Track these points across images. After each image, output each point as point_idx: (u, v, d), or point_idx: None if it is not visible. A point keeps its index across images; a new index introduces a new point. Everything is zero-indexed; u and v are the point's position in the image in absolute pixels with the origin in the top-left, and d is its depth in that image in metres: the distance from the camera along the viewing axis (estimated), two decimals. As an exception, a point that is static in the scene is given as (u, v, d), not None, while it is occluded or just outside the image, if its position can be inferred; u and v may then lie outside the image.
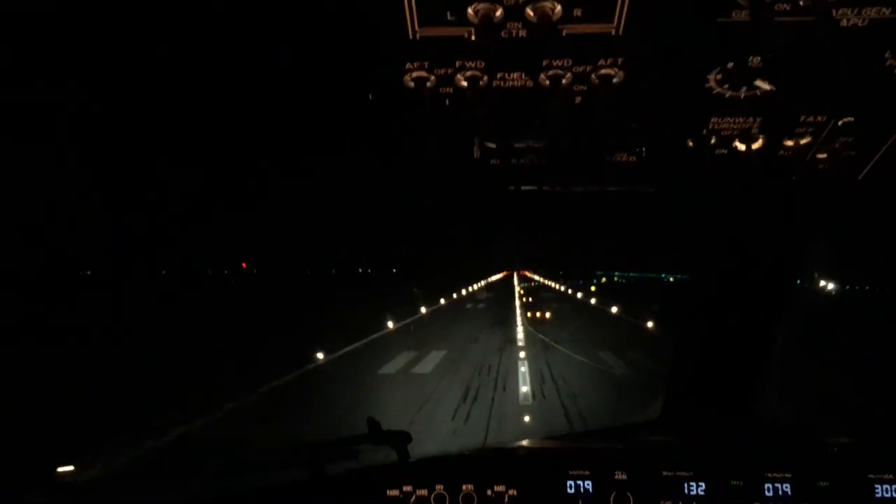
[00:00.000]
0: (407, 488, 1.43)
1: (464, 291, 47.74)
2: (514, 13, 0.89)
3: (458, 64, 0.98)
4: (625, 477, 1.40)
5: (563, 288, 60.34)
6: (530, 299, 39.26)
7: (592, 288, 57.41)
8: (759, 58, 0.94)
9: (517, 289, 57.16)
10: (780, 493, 1.36)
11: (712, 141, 1.14)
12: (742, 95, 1.02)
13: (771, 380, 1.63)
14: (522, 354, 14.31)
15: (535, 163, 1.21)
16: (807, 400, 6.72)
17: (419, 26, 0.93)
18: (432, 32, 0.92)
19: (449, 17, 0.90)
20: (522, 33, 0.91)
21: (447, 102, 1.05)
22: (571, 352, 14.56)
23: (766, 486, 1.37)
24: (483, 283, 70.73)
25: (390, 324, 20.36)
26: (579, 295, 44.71)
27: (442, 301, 34.53)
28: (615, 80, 0.99)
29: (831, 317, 18.34)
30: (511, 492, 1.42)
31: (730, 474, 1.39)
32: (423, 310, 27.07)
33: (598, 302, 35.46)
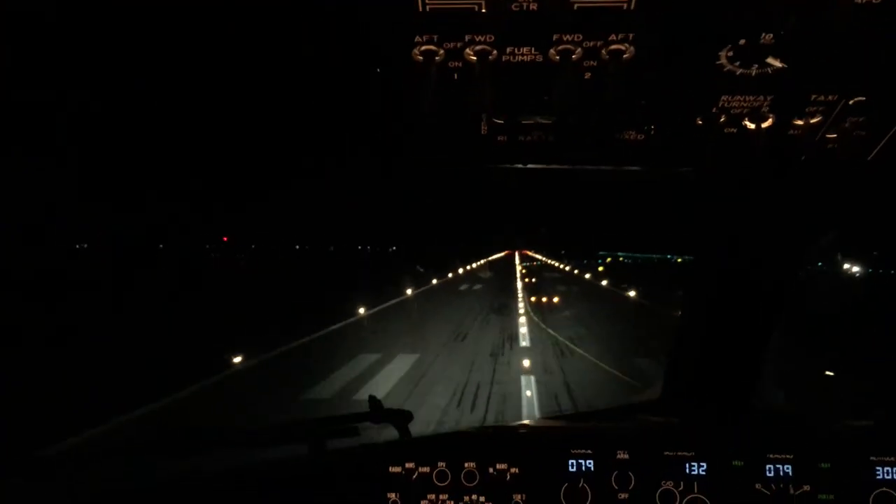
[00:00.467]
0: (409, 465, 1.42)
1: (461, 271, 43.80)
2: None
3: (467, 38, 0.96)
4: (626, 456, 1.40)
5: (567, 267, 56.39)
6: (533, 280, 34.97)
7: (600, 268, 53.37)
8: (771, 35, 0.93)
9: (518, 268, 53.04)
10: (781, 473, 1.36)
11: (722, 119, 1.10)
12: (753, 73, 0.99)
13: (771, 368, 1.63)
14: (527, 364, 10.05)
15: (542, 140, 1.18)
16: (807, 392, 6.37)
17: None
18: (442, 4, 0.91)
19: None
20: (533, 6, 0.91)
21: (455, 77, 1.02)
22: (596, 358, 10.24)
23: (768, 466, 1.36)
24: (483, 261, 66.98)
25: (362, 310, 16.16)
26: (587, 276, 40.50)
27: (434, 281, 30.37)
28: (626, 56, 0.96)
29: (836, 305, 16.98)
30: (513, 470, 1.41)
31: (731, 455, 1.38)
32: (408, 291, 23.00)
33: (609, 284, 31.25)
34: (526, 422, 1.67)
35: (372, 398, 1.65)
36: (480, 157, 1.24)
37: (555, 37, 0.94)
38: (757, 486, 1.35)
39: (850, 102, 1.04)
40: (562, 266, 61.45)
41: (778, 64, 0.96)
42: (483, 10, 0.90)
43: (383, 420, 1.61)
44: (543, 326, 14.43)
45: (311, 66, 1.08)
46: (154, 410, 6.90)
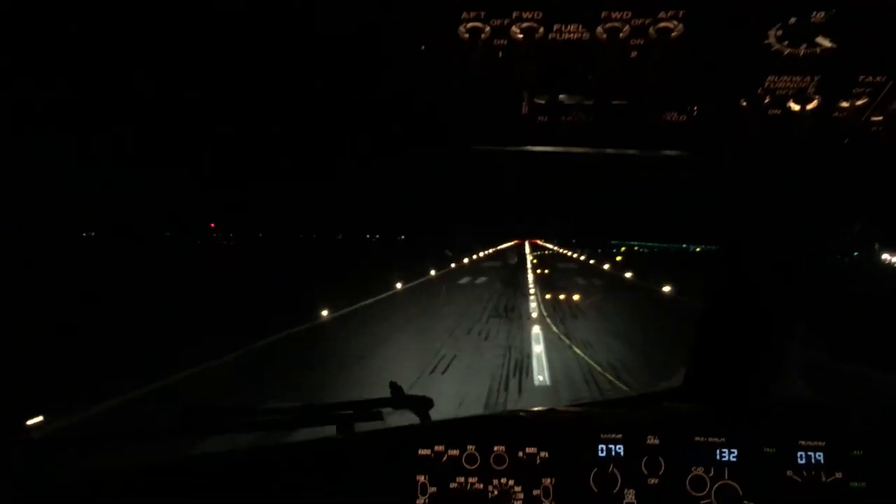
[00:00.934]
0: (439, 448, 1.42)
1: (465, 260, 39.52)
2: None
3: (514, 14, 0.95)
4: (657, 442, 1.38)
5: (582, 257, 51.84)
6: (546, 271, 30.50)
7: (618, 258, 48.73)
8: (822, 13, 0.92)
9: (529, 258, 48.64)
10: (813, 461, 1.33)
11: (766, 101, 1.08)
12: (801, 53, 0.98)
13: (796, 359, 1.58)
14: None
15: (583, 121, 1.15)
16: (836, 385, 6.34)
17: None
18: None
19: None
20: None
21: (500, 55, 1.01)
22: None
23: (799, 454, 1.34)
24: (491, 250, 62.73)
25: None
26: (606, 266, 36.01)
27: (432, 272, 26.09)
28: (673, 34, 0.96)
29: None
30: (542, 454, 1.40)
31: (762, 441, 1.35)
32: (398, 285, 18.84)
33: (635, 276, 26.75)
34: (555, 407, 1.65)
35: (393, 384, 1.62)
36: (520, 139, 1.20)
37: (603, 14, 0.93)
38: (788, 473, 1.33)
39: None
40: (575, 255, 56.85)
41: (827, 43, 0.95)
42: None
43: (403, 406, 1.58)
44: (567, 342, 10.06)
45: (352, 45, 1.08)
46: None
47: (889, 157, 1.17)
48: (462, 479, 1.39)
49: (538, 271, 30.18)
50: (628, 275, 27.94)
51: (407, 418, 1.55)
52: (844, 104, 1.06)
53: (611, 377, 7.56)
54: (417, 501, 1.39)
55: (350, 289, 16.52)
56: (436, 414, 1.59)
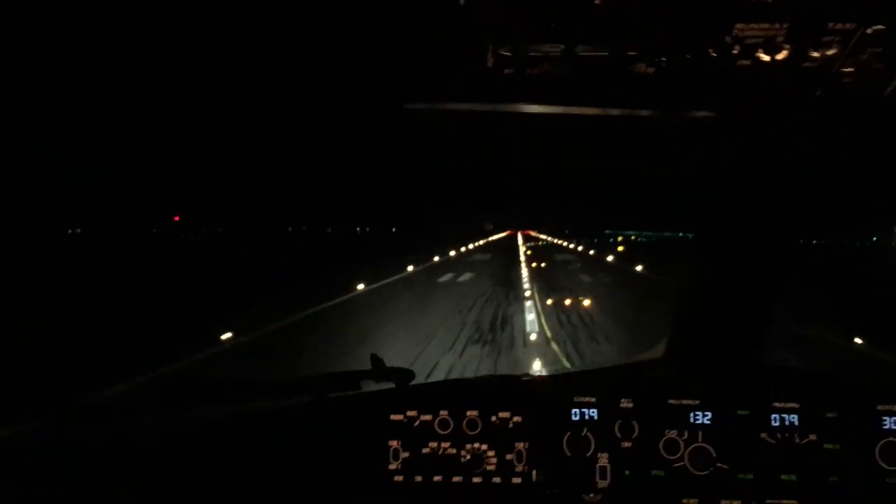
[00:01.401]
0: (411, 413, 1.42)
1: (452, 252, 35.31)
2: None
3: None
4: (630, 405, 1.38)
5: (580, 248, 47.75)
6: (543, 265, 26.24)
7: (620, 248, 44.70)
8: None
9: (522, 249, 44.43)
10: (787, 423, 1.34)
11: (735, 50, 1.07)
12: None
13: (775, 326, 1.56)
14: None
15: (550, 73, 1.12)
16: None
17: None
18: None
19: None
20: None
21: (461, 1, 0.97)
22: None
23: (773, 416, 1.34)
24: (481, 242, 58.67)
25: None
26: (609, 258, 31.91)
27: (410, 269, 21.82)
28: None
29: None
30: (516, 418, 1.40)
31: (736, 404, 1.36)
32: (360, 287, 14.71)
33: (647, 270, 22.61)
34: (530, 372, 1.85)
35: (374, 356, 1.57)
36: (485, 94, 1.19)
37: None
38: (762, 435, 1.34)
39: (869, 31, 1.00)
40: (571, 245, 52.75)
41: None
42: None
43: (384, 378, 1.54)
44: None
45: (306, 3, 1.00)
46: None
47: (862, 108, 1.15)
48: (435, 444, 1.40)
49: (533, 265, 25.91)
50: (639, 268, 23.77)
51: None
52: (815, 54, 1.05)
53: None
54: (390, 466, 1.40)
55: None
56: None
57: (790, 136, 1.33)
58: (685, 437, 1.34)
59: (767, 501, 1.31)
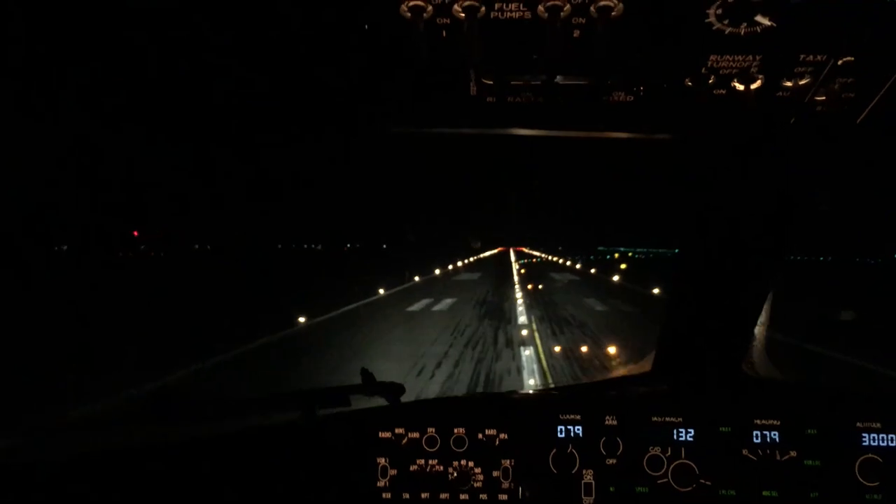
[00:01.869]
0: (399, 430, 1.43)
1: (437, 271, 31.35)
2: None
3: None
4: (615, 422, 1.40)
5: (578, 265, 43.78)
6: (540, 287, 22.07)
7: (623, 266, 40.72)
8: None
9: (515, 267, 40.38)
10: (769, 439, 1.35)
11: (711, 80, 1.09)
12: (742, 32, 0.98)
13: (760, 341, 1.63)
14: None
15: (531, 100, 1.14)
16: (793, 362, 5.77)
17: None
18: None
19: None
20: None
21: (444, 34, 1.00)
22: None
23: (755, 433, 1.36)
24: (471, 259, 54.73)
25: None
26: (615, 278, 27.90)
27: (381, 292, 17.74)
28: (614, 13, 0.95)
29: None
30: (502, 436, 1.42)
31: (718, 421, 1.38)
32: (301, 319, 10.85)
33: (665, 293, 18.56)
34: (515, 390, 2.06)
35: (364, 370, 1.58)
36: (469, 120, 1.20)
37: None
38: (744, 451, 1.35)
39: (839, 63, 1.03)
40: (568, 263, 48.80)
41: (766, 22, 0.95)
42: None
43: (375, 392, 1.54)
44: None
45: (294, 26, 1.03)
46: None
47: (835, 134, 1.17)
48: (422, 461, 1.40)
49: (529, 287, 21.76)
50: (656, 291, 19.72)
51: (378, 404, 1.50)
52: (788, 83, 1.07)
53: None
54: (378, 483, 1.40)
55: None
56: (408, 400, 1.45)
57: (768, 160, 1.33)
58: (668, 453, 1.36)
59: None
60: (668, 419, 1.36)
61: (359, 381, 1.55)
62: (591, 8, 0.93)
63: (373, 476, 1.39)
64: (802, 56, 1.01)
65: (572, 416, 1.39)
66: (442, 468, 1.38)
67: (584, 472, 1.36)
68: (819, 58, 1.01)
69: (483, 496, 1.37)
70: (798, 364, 7.37)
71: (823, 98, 1.09)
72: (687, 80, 1.07)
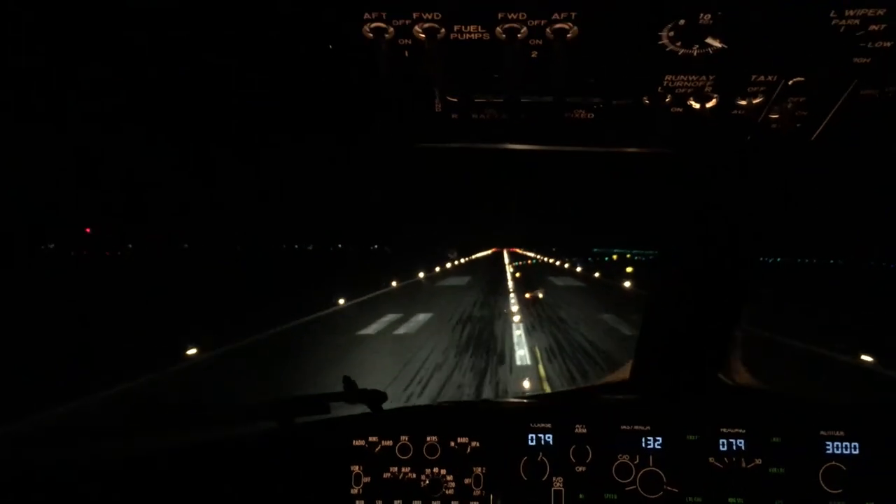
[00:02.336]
0: (373, 438, 1.45)
1: (421, 274, 27.38)
2: None
3: (415, 15, 0.98)
4: (584, 430, 1.42)
5: (577, 268, 39.84)
6: (540, 296, 17.92)
7: (628, 269, 36.78)
8: (709, 15, 0.95)
9: (509, 270, 36.34)
10: (734, 447, 1.38)
11: (668, 99, 1.13)
12: (695, 53, 1.01)
13: (735, 347, 1.60)
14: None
15: (495, 118, 1.19)
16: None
17: None
18: None
19: None
20: None
21: (406, 54, 1.05)
22: None
23: (721, 441, 1.39)
24: (463, 260, 50.78)
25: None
26: (626, 283, 23.88)
27: (340, 302, 13.73)
28: (569, 35, 0.98)
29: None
30: (474, 443, 1.44)
31: (686, 429, 1.41)
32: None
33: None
34: (487, 398, 1.74)
35: (346, 378, 1.58)
36: (434, 136, 1.24)
37: (500, 15, 0.95)
38: (710, 459, 1.37)
39: (790, 83, 1.05)
40: (566, 266, 44.82)
41: (717, 44, 0.97)
42: None
43: (357, 400, 1.55)
44: None
45: (261, 47, 1.05)
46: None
47: (791, 152, 1.21)
48: (395, 469, 1.42)
49: (527, 296, 17.67)
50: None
51: (360, 412, 1.50)
52: (742, 102, 1.10)
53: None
54: (352, 491, 1.41)
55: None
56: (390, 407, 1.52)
57: (730, 174, 1.38)
58: (637, 461, 1.38)
59: None
60: (636, 427, 1.39)
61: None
62: (548, 30, 0.96)
63: (346, 483, 1.41)
64: (754, 76, 1.04)
65: (543, 425, 1.41)
66: (414, 476, 1.40)
67: (554, 479, 1.38)
68: (770, 78, 1.05)
69: (455, 503, 1.39)
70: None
71: (777, 116, 1.12)
72: (644, 98, 1.11)
